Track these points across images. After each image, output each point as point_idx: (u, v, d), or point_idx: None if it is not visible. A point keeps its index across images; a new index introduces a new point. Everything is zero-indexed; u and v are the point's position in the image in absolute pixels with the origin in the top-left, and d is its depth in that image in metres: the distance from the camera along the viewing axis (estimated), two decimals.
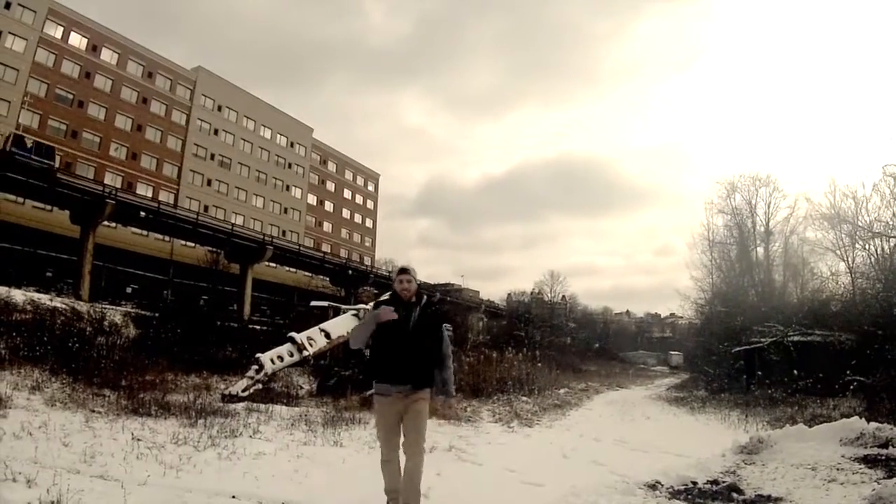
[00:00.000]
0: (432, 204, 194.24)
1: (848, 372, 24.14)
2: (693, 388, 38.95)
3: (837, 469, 9.24)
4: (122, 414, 13.53)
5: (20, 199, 49.54)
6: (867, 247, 36.99)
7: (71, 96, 59.13)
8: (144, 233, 58.29)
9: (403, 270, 7.00)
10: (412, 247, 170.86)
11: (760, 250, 47.40)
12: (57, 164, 50.32)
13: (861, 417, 12.33)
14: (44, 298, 30.04)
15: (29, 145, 46.78)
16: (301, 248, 68.98)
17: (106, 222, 48.87)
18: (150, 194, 61.64)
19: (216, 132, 74.00)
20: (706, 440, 15.18)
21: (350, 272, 68.74)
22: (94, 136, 61.24)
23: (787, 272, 45.44)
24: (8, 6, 53.40)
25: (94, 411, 13.55)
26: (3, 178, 42.84)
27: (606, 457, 12.79)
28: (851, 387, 23.03)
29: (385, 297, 7.63)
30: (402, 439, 6.65)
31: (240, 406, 16.49)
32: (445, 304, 76.18)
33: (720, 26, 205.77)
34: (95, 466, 8.51)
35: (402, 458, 6.66)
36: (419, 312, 6.79)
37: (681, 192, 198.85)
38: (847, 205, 38.04)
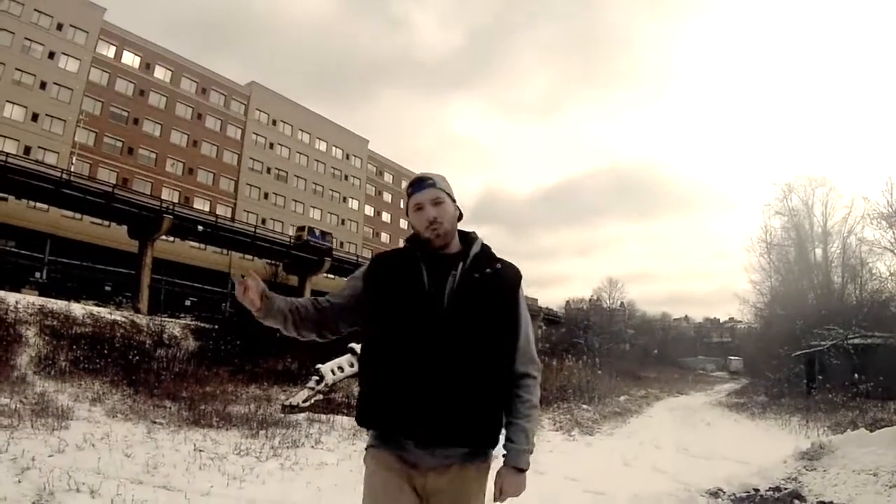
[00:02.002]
0: (488, 212, 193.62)
1: None
2: (753, 393, 38.22)
3: None
4: (183, 425, 13.60)
5: (78, 216, 50.25)
6: None
7: (126, 114, 59.67)
8: (202, 246, 58.73)
9: (419, 183, 3.23)
10: None
11: (819, 251, 46.79)
12: (115, 181, 51.74)
13: None
14: (103, 312, 30.25)
15: (316, 233, 63.16)
16: (359, 260, 67.83)
17: (164, 237, 49.21)
18: (207, 208, 62.12)
19: (271, 146, 74.27)
20: (767, 446, 15.00)
21: None
22: (150, 153, 61.80)
23: (846, 273, 44.45)
24: (60, 27, 54.12)
25: (155, 422, 13.63)
26: (60, 196, 43.68)
27: (668, 464, 12.65)
28: None
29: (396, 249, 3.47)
30: None
31: (301, 417, 16.54)
32: None
33: (769, 27, 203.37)
34: (158, 477, 8.53)
35: None
36: (461, 276, 3.11)
37: (735, 196, 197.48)
38: None
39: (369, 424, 3.10)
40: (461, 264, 3.11)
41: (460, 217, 3.31)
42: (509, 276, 3.22)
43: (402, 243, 3.34)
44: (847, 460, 10.46)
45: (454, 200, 3.25)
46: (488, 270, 3.14)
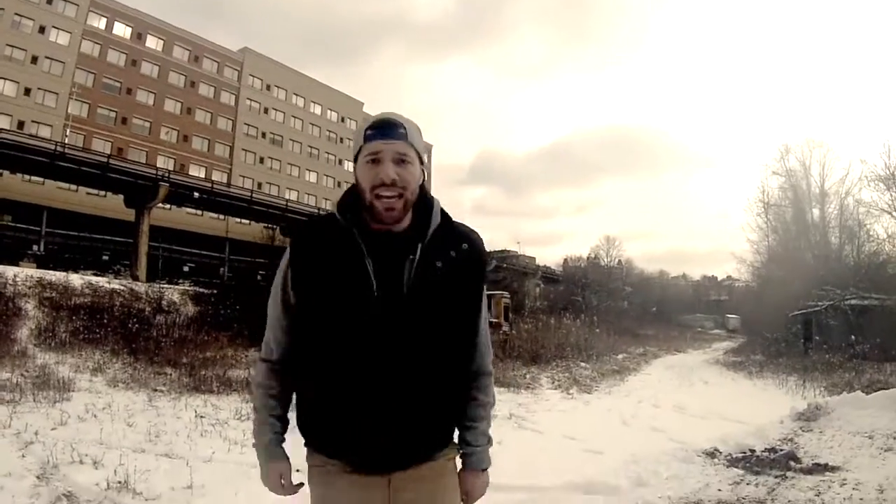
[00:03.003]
0: (485, 172, 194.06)
1: None
2: (750, 352, 38.18)
3: (895, 438, 9.10)
4: (184, 392, 13.72)
5: (73, 187, 50.40)
6: None
7: (118, 84, 59.52)
8: (199, 212, 58.74)
9: (384, 126, 2.35)
10: (467, 215, 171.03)
11: (816, 212, 46.97)
12: (110, 152, 51.68)
13: None
14: (101, 281, 30.27)
15: None
16: (307, 219, 67.12)
17: (160, 204, 49.17)
18: (202, 175, 62.11)
19: (266, 111, 74.07)
20: (764, 406, 15.10)
21: None
22: (144, 122, 61.71)
23: (843, 234, 44.45)
24: (50, 1, 53.88)
25: (156, 390, 13.72)
26: (55, 168, 43.81)
27: (665, 423, 12.81)
28: None
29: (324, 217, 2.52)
30: None
31: None
32: (501, 271, 75.89)
33: None
34: (160, 445, 8.61)
35: None
36: (419, 261, 2.28)
37: (735, 156, 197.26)
38: None
39: (317, 441, 2.41)
40: (419, 246, 2.30)
41: (422, 185, 2.40)
42: (477, 259, 2.45)
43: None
44: (843, 422, 10.56)
45: (423, 162, 2.39)
46: (453, 254, 2.36)
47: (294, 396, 2.52)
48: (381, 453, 2.29)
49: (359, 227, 2.30)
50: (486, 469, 2.65)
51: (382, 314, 2.22)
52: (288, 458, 2.49)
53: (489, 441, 2.65)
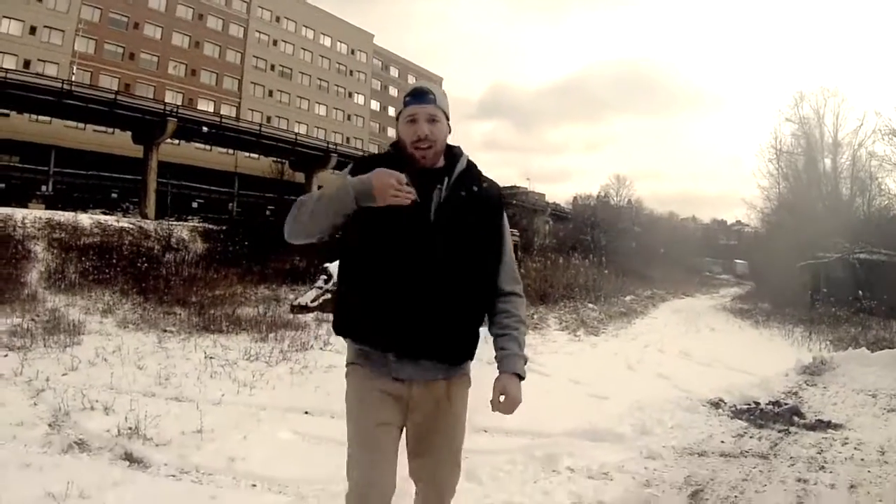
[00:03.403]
0: (496, 106, 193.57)
1: None
2: (758, 299, 38.21)
3: None
4: (193, 332, 13.73)
5: (80, 126, 50.36)
6: None
7: (125, 19, 59.00)
8: (208, 147, 58.66)
9: (419, 94, 3.06)
10: (477, 149, 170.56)
11: (828, 162, 46.21)
12: (117, 88, 51.65)
13: None
14: (110, 220, 30.40)
15: None
16: (365, 155, 67.20)
17: (169, 140, 49.28)
18: (211, 109, 62.09)
19: (275, 43, 73.60)
20: (770, 357, 15.10)
21: None
22: (152, 56, 61.38)
23: (855, 186, 44.13)
24: None
25: (165, 331, 13.74)
26: (62, 106, 43.82)
27: (671, 370, 12.79)
28: None
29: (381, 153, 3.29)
30: (407, 461, 3.18)
31: (310, 317, 16.77)
32: (511, 207, 75.91)
33: None
34: (170, 388, 8.68)
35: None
36: (448, 192, 3.03)
37: (749, 99, 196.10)
38: None
39: (350, 335, 3.09)
40: (446, 179, 3.02)
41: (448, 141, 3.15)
42: (493, 196, 3.16)
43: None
44: (847, 378, 10.67)
45: (448, 119, 3.11)
46: (474, 188, 3.07)
47: (335, 303, 3.27)
48: (412, 339, 2.89)
49: (402, 163, 2.93)
50: (519, 374, 3.02)
51: (417, 223, 2.90)
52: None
53: (523, 350, 3.10)
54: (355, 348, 3.10)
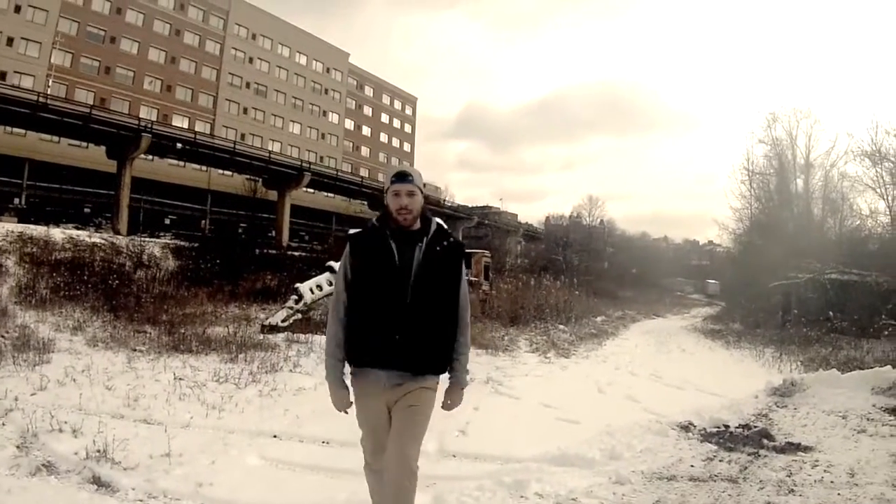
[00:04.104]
0: (471, 126, 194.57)
1: (883, 315, 23.96)
2: (729, 320, 38.45)
3: (868, 419, 9.22)
4: (163, 352, 13.70)
5: (55, 139, 49.97)
6: None
7: (103, 33, 58.84)
8: (181, 164, 58.34)
9: (402, 176, 4.22)
10: (451, 169, 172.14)
11: (800, 182, 46.32)
12: (93, 102, 51.11)
13: (894, 366, 12.28)
14: (83, 235, 30.27)
15: None
16: (339, 174, 68.64)
17: (142, 155, 48.82)
18: (186, 125, 61.49)
19: (251, 60, 73.52)
20: (740, 378, 15.26)
21: None
22: (128, 71, 61.08)
23: (826, 206, 44.20)
24: None
25: (135, 350, 13.72)
26: (37, 119, 43.42)
27: (641, 393, 12.93)
28: (886, 332, 22.86)
29: (371, 222, 4.48)
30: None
31: (280, 337, 16.75)
32: (483, 227, 75.95)
33: None
34: (139, 410, 8.68)
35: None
36: (425, 249, 4.20)
37: (723, 121, 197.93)
38: (889, 143, 36.81)
39: (358, 360, 4.27)
40: (424, 238, 4.22)
41: (426, 207, 4.39)
42: (457, 248, 4.39)
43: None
44: (818, 400, 10.65)
45: (422, 192, 4.31)
46: (445, 243, 4.29)
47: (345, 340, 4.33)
48: (396, 358, 4.12)
49: (389, 229, 4.21)
50: (463, 388, 4.51)
51: (402, 277, 4.12)
52: (348, 388, 4.33)
53: (465, 369, 4.51)
54: (356, 370, 4.35)
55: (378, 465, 4.36)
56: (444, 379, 4.47)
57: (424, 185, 4.46)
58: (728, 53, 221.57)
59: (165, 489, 5.71)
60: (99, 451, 6.47)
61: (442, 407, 4.48)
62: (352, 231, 4.49)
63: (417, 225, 4.27)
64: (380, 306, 4.14)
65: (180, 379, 10.84)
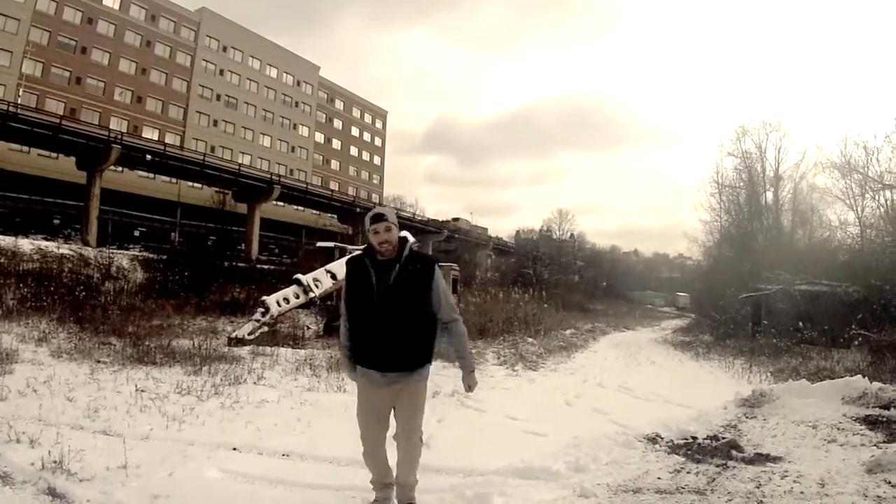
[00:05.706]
0: (441, 140, 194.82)
1: (853, 325, 24.06)
2: (699, 332, 38.66)
3: (838, 429, 9.20)
4: (126, 363, 13.57)
5: (25, 149, 49.80)
6: (877, 198, 37.03)
7: (74, 43, 59.00)
8: (151, 175, 58.27)
9: (378, 217, 5.27)
10: (420, 183, 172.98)
11: (769, 195, 46.93)
12: (63, 112, 51.32)
13: (864, 375, 12.30)
14: (51, 246, 30.27)
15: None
16: (309, 187, 68.99)
17: (112, 167, 48.81)
18: (156, 137, 61.61)
19: (221, 73, 73.81)
20: (709, 390, 15.20)
21: (358, 210, 66.99)
22: (98, 82, 61.14)
23: (796, 218, 44.88)
24: None
25: (99, 362, 13.58)
26: (7, 129, 43.19)
27: (609, 405, 12.83)
28: (856, 342, 22.94)
29: (357, 251, 6.51)
30: (390, 430, 5.57)
31: (245, 350, 16.67)
32: (453, 241, 76.21)
33: None
34: (99, 422, 8.57)
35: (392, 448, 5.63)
36: (398, 272, 5.24)
37: (693, 134, 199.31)
38: (858, 154, 37.51)
39: (360, 362, 5.47)
40: (397, 265, 5.29)
41: (401, 238, 5.49)
42: (427, 267, 5.40)
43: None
44: (787, 410, 10.62)
45: (397, 226, 5.44)
46: (418, 265, 5.35)
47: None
48: (385, 362, 5.28)
49: (371, 258, 5.36)
50: (473, 371, 5.70)
51: (380, 296, 5.23)
52: (357, 372, 5.55)
53: (470, 354, 5.75)
54: (360, 370, 5.51)
55: (375, 450, 5.53)
56: (435, 368, 5.94)
57: (397, 226, 5.49)
58: (698, 68, 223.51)
59: (120, 501, 5.62)
60: (55, 461, 6.37)
61: (466, 391, 5.77)
62: (347, 257, 6.19)
63: (395, 251, 5.36)
64: (361, 319, 5.40)
65: (142, 391, 10.72)
